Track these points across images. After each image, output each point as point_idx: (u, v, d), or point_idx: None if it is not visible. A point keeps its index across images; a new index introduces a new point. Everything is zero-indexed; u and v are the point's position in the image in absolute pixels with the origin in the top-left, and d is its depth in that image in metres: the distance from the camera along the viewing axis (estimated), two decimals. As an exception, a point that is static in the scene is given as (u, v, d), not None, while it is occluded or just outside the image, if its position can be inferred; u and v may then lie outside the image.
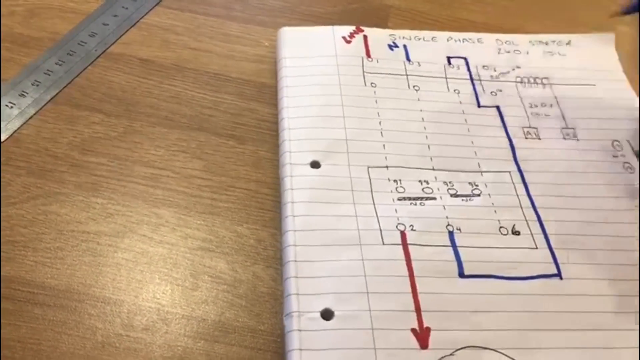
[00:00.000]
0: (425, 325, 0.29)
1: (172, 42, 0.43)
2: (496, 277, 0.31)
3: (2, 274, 0.31)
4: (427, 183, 0.35)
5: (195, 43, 0.43)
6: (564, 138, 0.38)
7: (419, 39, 0.43)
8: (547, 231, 0.33)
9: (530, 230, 0.33)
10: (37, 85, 0.39)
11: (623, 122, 0.39)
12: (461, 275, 0.31)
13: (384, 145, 0.36)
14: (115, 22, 0.44)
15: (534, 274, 0.31)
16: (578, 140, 0.38)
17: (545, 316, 0.30)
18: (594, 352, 0.29)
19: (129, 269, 0.32)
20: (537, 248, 0.33)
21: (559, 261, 0.32)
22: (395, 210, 0.33)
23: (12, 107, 0.38)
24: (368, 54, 0.42)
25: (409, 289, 0.30)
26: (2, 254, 0.32)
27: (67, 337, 0.29)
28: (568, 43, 0.44)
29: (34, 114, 0.38)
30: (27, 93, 0.39)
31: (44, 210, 0.34)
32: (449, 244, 0.32)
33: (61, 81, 0.40)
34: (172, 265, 0.32)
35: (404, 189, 0.35)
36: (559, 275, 0.32)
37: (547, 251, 0.33)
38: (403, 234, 0.32)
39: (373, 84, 0.40)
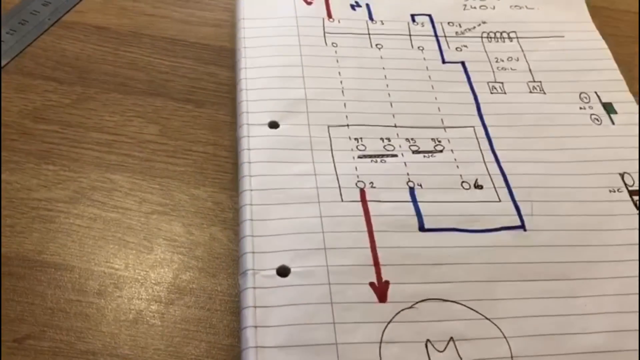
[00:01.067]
0: (384, 279, 0.28)
1: (128, 9, 0.42)
2: (458, 230, 0.30)
3: (-52, 243, 0.30)
4: (389, 140, 0.34)
5: (153, 9, 0.42)
6: (531, 91, 0.37)
7: (382, -2, 0.42)
8: (511, 184, 0.32)
9: (494, 184, 0.32)
10: (-12, 54, 0.38)
11: (591, 73, 0.38)
12: (421, 229, 0.30)
13: (344, 104, 0.36)
14: (70, -9, 0.42)
15: (497, 226, 0.31)
16: (545, 93, 0.37)
17: (508, 267, 0.29)
18: (556, 301, 0.28)
19: (82, 234, 0.31)
20: (500, 201, 0.32)
21: (522, 213, 0.31)
22: (355, 168, 0.33)
23: (-39, 77, 0.37)
24: (329, 15, 0.41)
25: (368, 244, 0.29)
26: (-52, 223, 0.31)
27: (16, 304, 0.28)
28: None
29: (-16, 83, 0.37)
30: (-23, 63, 0.37)
31: (-7, 179, 0.33)
32: (409, 199, 0.31)
33: (12, 50, 0.38)
34: (126, 229, 0.31)
35: (365, 147, 0.34)
36: (522, 227, 0.31)
37: (511, 204, 0.32)
38: (362, 191, 0.32)
39: (334, 44, 0.39)
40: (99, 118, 0.36)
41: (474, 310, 0.28)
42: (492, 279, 0.29)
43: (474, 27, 0.41)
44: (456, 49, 0.39)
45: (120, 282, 0.30)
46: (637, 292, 0.29)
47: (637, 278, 0.29)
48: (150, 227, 0.32)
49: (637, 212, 0.32)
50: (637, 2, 0.47)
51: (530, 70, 0.39)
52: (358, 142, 0.34)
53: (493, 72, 0.38)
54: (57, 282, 0.29)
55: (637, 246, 0.30)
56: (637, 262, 0.30)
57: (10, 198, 0.32)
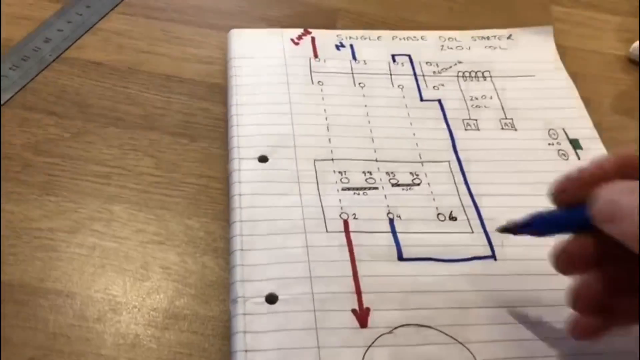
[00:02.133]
0: (365, 305, 0.30)
1: (126, 46, 0.45)
2: (433, 259, 0.33)
3: (-45, 271, 0.32)
4: (371, 174, 0.37)
5: (149, 47, 0.45)
6: (502, 128, 0.40)
7: (365, 39, 0.45)
8: (483, 216, 0.35)
9: (467, 216, 0.35)
10: (-8, 89, 0.40)
11: (559, 111, 0.41)
12: (400, 258, 0.33)
13: (329, 139, 0.38)
14: (70, 28, 0.45)
15: (470, 256, 0.33)
16: (516, 129, 0.40)
17: (480, 295, 0.32)
18: (524, 325, 0.31)
19: (82, 262, 0.33)
20: (473, 232, 0.34)
21: (493, 244, 0.34)
22: (340, 200, 0.35)
23: (-34, 111, 0.39)
24: (315, 54, 0.43)
25: (350, 273, 0.32)
26: (-45, 252, 0.33)
27: (19, 330, 0.30)
28: (509, 37, 0.46)
29: (-12, 117, 0.39)
30: (-18, 97, 0.39)
31: (-2, 209, 0.35)
32: (389, 230, 0.34)
33: (15, 86, 0.40)
34: (124, 258, 0.33)
35: (349, 179, 0.36)
36: (493, 256, 0.33)
37: (483, 235, 0.34)
38: (346, 222, 0.34)
39: (320, 82, 0.41)
40: (97, 151, 0.38)
41: (448, 335, 0.30)
42: (464, 305, 0.31)
43: (450, 67, 0.43)
44: (433, 87, 0.42)
45: (119, 308, 0.32)
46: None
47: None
48: (146, 255, 0.34)
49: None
50: (602, 43, 0.50)
51: (502, 107, 0.41)
52: (342, 175, 0.36)
53: (468, 109, 0.41)
54: (58, 308, 0.31)
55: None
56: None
57: (14, 228, 0.34)
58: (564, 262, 0.27)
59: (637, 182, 0.24)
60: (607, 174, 0.26)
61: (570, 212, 0.27)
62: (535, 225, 0.29)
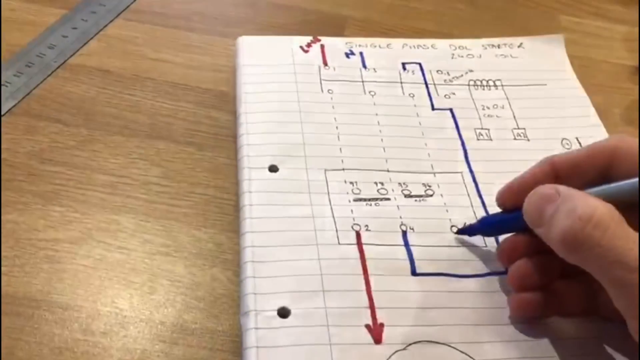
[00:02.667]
0: (379, 321, 0.30)
1: (131, 53, 0.44)
2: (446, 275, 0.32)
3: (-42, 283, 0.31)
4: (382, 184, 0.36)
5: (155, 54, 0.44)
6: (515, 138, 0.39)
7: (375, 47, 0.44)
8: None
9: None
10: (-5, 96, 0.39)
11: (572, 120, 0.41)
12: (413, 273, 0.32)
13: (340, 149, 0.37)
14: (75, 35, 0.44)
15: (483, 272, 0.32)
16: (529, 140, 0.39)
17: (493, 312, 0.31)
18: (539, 342, 0.30)
19: (88, 274, 0.32)
20: (486, 246, 0.34)
21: None
22: (351, 211, 0.34)
23: (-31, 118, 0.38)
24: (325, 62, 0.43)
25: (364, 287, 0.31)
26: (-42, 263, 0.32)
27: (24, 344, 0.29)
28: (520, 45, 0.46)
29: (-8, 125, 0.38)
30: (-15, 105, 0.39)
31: (2, 220, 0.34)
32: (402, 243, 0.33)
33: (19, 92, 0.40)
34: (131, 270, 0.33)
35: (360, 190, 0.35)
36: (506, 272, 0.32)
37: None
38: (358, 234, 0.33)
39: (330, 91, 0.41)
40: (103, 160, 0.37)
41: (463, 353, 0.29)
42: (479, 322, 0.30)
43: (462, 75, 0.43)
44: (445, 96, 0.41)
45: (126, 322, 0.31)
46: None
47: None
48: (153, 268, 0.33)
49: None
50: (611, 53, 0.49)
51: (514, 117, 0.41)
52: (353, 185, 0.36)
53: (480, 118, 0.40)
54: (64, 321, 0.30)
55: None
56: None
57: (19, 238, 0.33)
58: (503, 254, 0.31)
59: (558, 186, 0.27)
60: (538, 180, 0.29)
61: (511, 215, 0.31)
62: (483, 227, 0.33)
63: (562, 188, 0.27)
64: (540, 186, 0.28)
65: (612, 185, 0.28)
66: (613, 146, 0.29)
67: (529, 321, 0.30)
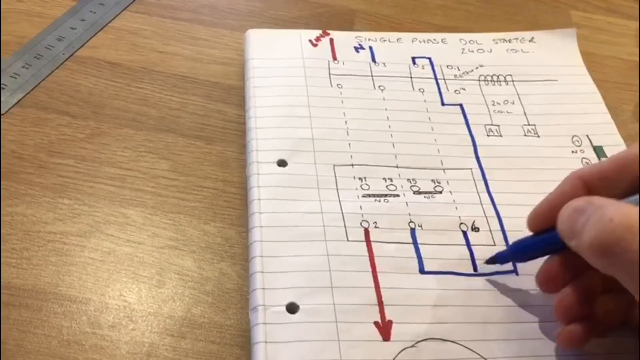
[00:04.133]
0: (387, 318, 0.30)
1: (140, 45, 0.44)
2: (454, 273, 0.32)
3: (-33, 274, 0.31)
4: (391, 180, 0.36)
5: (163, 46, 0.44)
6: (525, 135, 0.39)
7: (385, 41, 0.44)
8: (506, 228, 0.34)
9: (489, 227, 0.34)
10: (4, 88, 0.39)
11: (583, 117, 0.40)
12: (421, 271, 0.32)
13: (349, 144, 0.37)
14: (83, 26, 0.44)
15: (492, 271, 0.32)
16: (539, 136, 0.39)
17: (502, 310, 0.31)
18: (545, 342, 0.30)
19: (96, 267, 0.32)
20: (495, 245, 0.33)
21: None
22: (360, 207, 0.34)
23: (-22, 110, 0.38)
24: (334, 57, 0.42)
25: (372, 284, 0.31)
26: (-33, 255, 0.32)
27: (33, 336, 0.29)
28: (531, 40, 0.45)
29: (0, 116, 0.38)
30: (-6, 96, 0.39)
31: (10, 212, 0.34)
32: (410, 241, 0.33)
33: (28, 84, 0.40)
34: (139, 263, 0.33)
35: (369, 186, 0.35)
36: (515, 271, 0.32)
37: (505, 247, 0.33)
38: (367, 231, 0.33)
39: (339, 85, 0.41)
40: (112, 153, 0.37)
41: (471, 350, 0.29)
42: (487, 320, 0.30)
43: (472, 70, 0.43)
44: (455, 91, 0.41)
45: (134, 316, 0.31)
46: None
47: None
48: (162, 261, 0.33)
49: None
50: (622, 49, 0.49)
51: (525, 113, 0.40)
52: (362, 181, 0.35)
53: (490, 115, 0.40)
54: (72, 314, 0.30)
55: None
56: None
57: (27, 231, 0.33)
58: (543, 281, 0.29)
59: (591, 197, 0.26)
60: (569, 197, 0.28)
61: (544, 236, 0.30)
62: (514, 254, 0.31)
63: (595, 198, 0.26)
64: (573, 200, 0.27)
65: None
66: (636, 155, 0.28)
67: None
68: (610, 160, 0.29)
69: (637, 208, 0.24)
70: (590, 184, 0.29)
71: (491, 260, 0.32)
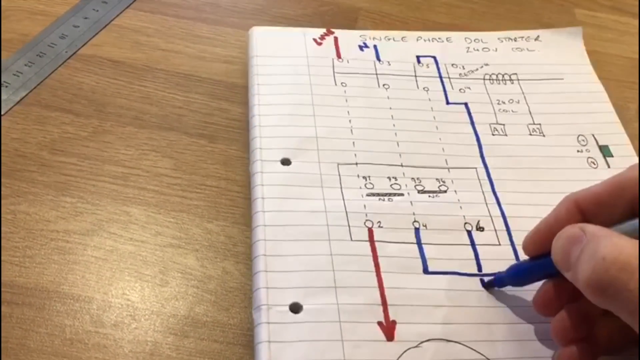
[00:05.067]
0: (391, 318, 0.29)
1: (143, 43, 0.44)
2: (459, 274, 0.32)
3: (-31, 273, 0.31)
4: (396, 179, 0.35)
5: (166, 44, 0.44)
6: (530, 134, 0.39)
7: (389, 39, 0.44)
8: (511, 228, 0.34)
9: (494, 227, 0.34)
10: (6, 86, 0.39)
11: (589, 116, 0.40)
12: (425, 271, 0.32)
13: (353, 143, 0.37)
14: (86, 24, 0.44)
15: (496, 271, 0.32)
16: (544, 136, 0.39)
17: (506, 310, 0.31)
18: (550, 343, 0.29)
19: (99, 266, 0.32)
20: (500, 245, 0.33)
21: (520, 258, 0.33)
22: (364, 206, 0.34)
23: (-19, 108, 0.38)
24: (338, 55, 0.42)
25: (376, 284, 0.31)
26: (-31, 253, 0.32)
27: (35, 335, 0.29)
28: (537, 38, 0.45)
29: (3, 114, 0.38)
30: (-3, 94, 0.39)
31: (13, 210, 0.34)
32: (415, 240, 0.33)
33: (30, 82, 0.40)
34: (142, 262, 0.32)
35: (373, 185, 0.35)
36: None
37: (510, 248, 0.33)
38: (370, 230, 0.33)
39: (343, 84, 0.40)
40: (114, 151, 0.37)
41: (476, 351, 0.29)
42: (492, 321, 0.30)
43: (477, 69, 0.42)
44: (459, 90, 0.41)
45: (137, 314, 0.31)
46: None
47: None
48: (165, 260, 0.33)
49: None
50: (627, 47, 0.49)
51: (530, 112, 0.40)
52: (366, 180, 0.35)
53: (495, 113, 0.40)
54: (75, 313, 0.30)
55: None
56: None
57: (30, 229, 0.33)
58: (540, 305, 0.29)
59: (585, 225, 0.25)
60: (564, 221, 0.27)
61: (540, 261, 0.29)
62: (512, 277, 0.30)
63: (589, 227, 0.25)
64: (567, 227, 0.26)
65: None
66: (636, 177, 0.27)
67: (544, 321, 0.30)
68: (605, 183, 0.28)
69: (631, 242, 0.23)
70: (586, 208, 0.28)
71: (488, 284, 0.31)
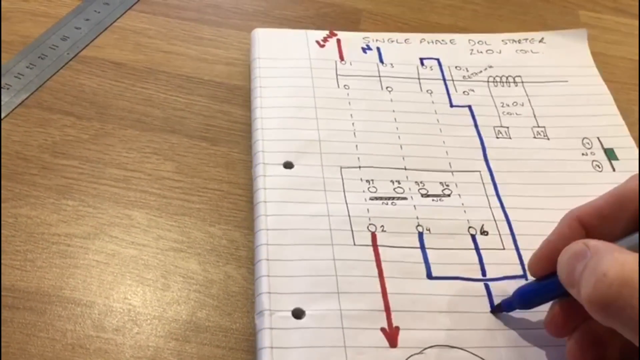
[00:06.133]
0: (394, 324, 0.29)
1: (144, 45, 0.43)
2: (463, 278, 0.31)
3: (-30, 277, 0.31)
4: (399, 183, 0.35)
5: (168, 46, 0.44)
6: (535, 137, 0.39)
7: (392, 41, 0.44)
8: (515, 232, 0.34)
9: (499, 231, 0.34)
10: (8, 88, 0.39)
11: (594, 118, 0.40)
12: (429, 276, 0.31)
13: (356, 146, 0.37)
14: (88, 26, 0.44)
15: (500, 276, 0.32)
16: (549, 139, 0.39)
17: (510, 316, 0.30)
18: (555, 349, 0.29)
19: (100, 270, 0.32)
20: (504, 249, 0.33)
21: (524, 262, 0.32)
22: (367, 210, 0.34)
23: (-18, 110, 0.37)
24: (341, 57, 0.42)
25: (379, 289, 0.30)
26: (-30, 257, 0.32)
27: (37, 339, 0.29)
28: (541, 40, 0.45)
29: (4, 117, 0.38)
30: (-2, 96, 0.38)
31: (14, 213, 0.33)
32: (418, 245, 0.32)
33: (32, 85, 0.39)
34: (144, 266, 0.32)
35: (376, 188, 0.35)
36: (524, 276, 0.32)
37: (514, 252, 0.33)
38: (374, 235, 0.33)
39: (346, 86, 0.40)
40: (116, 154, 0.37)
41: (479, 357, 0.29)
42: (495, 327, 0.30)
43: (481, 72, 0.42)
44: (463, 92, 0.41)
45: (139, 319, 0.30)
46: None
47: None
48: (167, 264, 0.32)
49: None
50: (631, 49, 0.48)
51: (534, 115, 0.40)
52: (369, 183, 0.35)
53: (499, 116, 0.40)
54: (76, 317, 0.30)
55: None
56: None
57: (31, 232, 0.33)
58: (552, 327, 0.28)
59: (589, 241, 0.25)
60: (568, 239, 0.26)
61: (547, 282, 0.28)
62: (520, 300, 0.29)
63: (592, 242, 0.25)
64: (572, 243, 0.26)
65: None
66: (635, 189, 0.26)
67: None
68: (606, 196, 0.28)
69: (633, 256, 0.23)
70: (588, 223, 0.27)
71: (497, 309, 0.30)
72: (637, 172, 0.28)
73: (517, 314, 0.30)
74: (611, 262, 0.23)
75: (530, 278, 0.30)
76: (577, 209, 0.28)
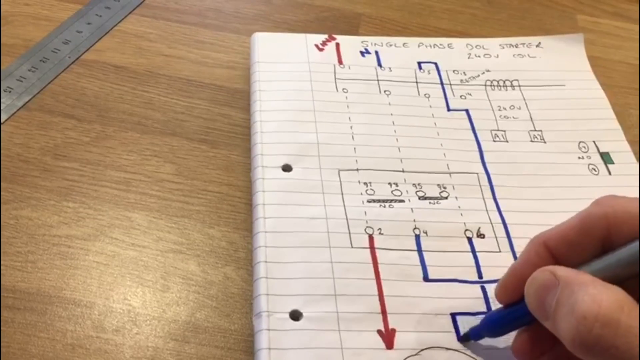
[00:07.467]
0: (390, 326, 0.30)
1: (145, 49, 0.44)
2: (459, 281, 0.32)
3: (-28, 278, 0.31)
4: (397, 185, 0.36)
5: (169, 50, 0.44)
6: (532, 140, 0.39)
7: (391, 45, 0.44)
8: (511, 234, 0.34)
9: (495, 234, 0.34)
10: (10, 91, 0.39)
11: (590, 122, 0.40)
12: (425, 279, 0.32)
13: (354, 149, 0.37)
14: (89, 30, 0.44)
15: (496, 278, 0.32)
16: (545, 142, 0.39)
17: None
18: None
19: (100, 271, 0.32)
20: (500, 252, 0.33)
21: None
22: (365, 213, 0.34)
23: (-16, 113, 0.38)
24: (340, 61, 0.42)
25: (376, 292, 0.31)
26: (-28, 258, 0.32)
27: (37, 340, 0.30)
28: (538, 45, 0.45)
29: (6, 120, 0.38)
30: None
31: (15, 215, 0.34)
32: (415, 248, 0.33)
33: (34, 88, 0.40)
34: (143, 267, 0.33)
35: (374, 191, 0.35)
36: None
37: (510, 255, 0.33)
38: (371, 237, 0.33)
39: (345, 90, 0.40)
40: (117, 156, 0.37)
41: (474, 358, 0.29)
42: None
43: (478, 76, 0.42)
44: (461, 96, 0.41)
45: (138, 320, 0.31)
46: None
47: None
48: (166, 265, 0.33)
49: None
50: (629, 53, 0.49)
51: (531, 119, 0.40)
52: (367, 186, 0.35)
53: (496, 120, 0.40)
54: (77, 318, 0.30)
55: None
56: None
57: (32, 234, 0.33)
58: (519, 354, 0.28)
59: (556, 269, 0.24)
60: (534, 265, 0.26)
61: (515, 308, 0.27)
62: (489, 328, 0.29)
63: (560, 271, 0.24)
64: (537, 271, 0.25)
65: (611, 255, 0.25)
66: (603, 214, 0.26)
67: None
68: (572, 222, 0.27)
69: (607, 290, 0.22)
70: (555, 249, 0.27)
71: (464, 338, 0.30)
72: (633, 175, 0.28)
73: (485, 341, 0.30)
74: (588, 302, 0.22)
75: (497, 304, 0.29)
76: (543, 234, 0.27)
